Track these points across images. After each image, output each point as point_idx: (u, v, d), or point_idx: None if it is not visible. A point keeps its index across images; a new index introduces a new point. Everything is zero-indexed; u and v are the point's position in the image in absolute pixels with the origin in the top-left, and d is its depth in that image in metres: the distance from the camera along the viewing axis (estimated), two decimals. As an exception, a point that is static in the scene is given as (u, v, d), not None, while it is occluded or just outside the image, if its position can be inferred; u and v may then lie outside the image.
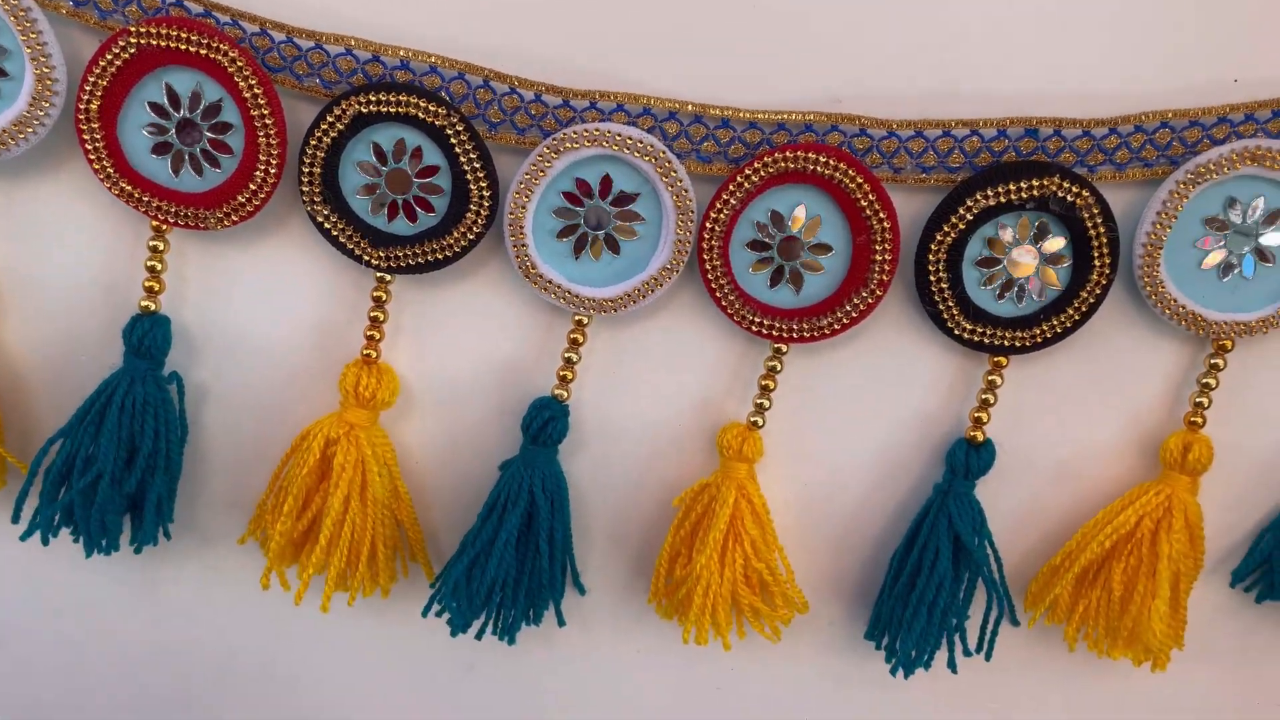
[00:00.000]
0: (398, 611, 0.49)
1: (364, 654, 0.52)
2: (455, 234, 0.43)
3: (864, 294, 0.44)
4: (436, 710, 0.53)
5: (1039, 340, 0.45)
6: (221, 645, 0.52)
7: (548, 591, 0.47)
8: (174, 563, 0.51)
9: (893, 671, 0.48)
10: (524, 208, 0.43)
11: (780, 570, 0.47)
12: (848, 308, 0.44)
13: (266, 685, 0.53)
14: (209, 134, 0.43)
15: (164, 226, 0.44)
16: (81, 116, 0.42)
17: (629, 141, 0.42)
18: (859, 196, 0.43)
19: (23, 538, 0.45)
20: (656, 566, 0.48)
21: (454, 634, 0.47)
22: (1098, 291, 0.44)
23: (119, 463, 0.45)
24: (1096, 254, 0.43)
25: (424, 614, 0.47)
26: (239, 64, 0.41)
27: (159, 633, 0.52)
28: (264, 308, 0.46)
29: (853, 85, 0.43)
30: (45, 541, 0.46)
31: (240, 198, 0.43)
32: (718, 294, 0.44)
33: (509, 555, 0.46)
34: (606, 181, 0.43)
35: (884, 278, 0.44)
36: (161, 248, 0.44)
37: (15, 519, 0.46)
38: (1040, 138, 0.42)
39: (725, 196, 0.43)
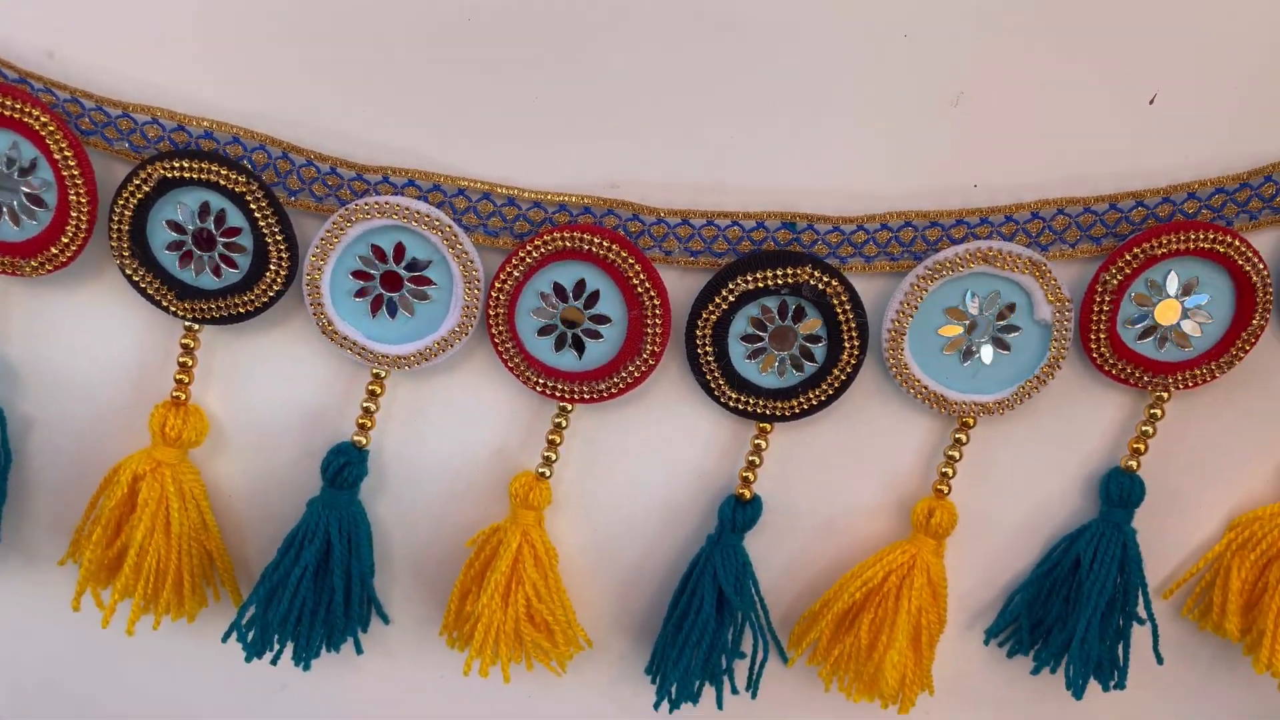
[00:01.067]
0: (214, 633, 0.52)
1: (179, 673, 0.55)
2: (257, 290, 0.47)
3: (639, 361, 0.48)
4: (252, 724, 0.57)
5: (799, 410, 0.49)
6: (44, 659, 0.55)
7: (343, 622, 0.51)
8: (-1, 580, 0.53)
9: (658, 704, 0.52)
10: (320, 269, 0.46)
11: (562, 612, 0.51)
12: (624, 373, 0.48)
13: (86, 700, 0.56)
14: (24, 189, 0.45)
15: None
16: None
17: (417, 214, 0.45)
18: (631, 275, 0.46)
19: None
20: (449, 602, 0.52)
21: (248, 659, 0.50)
22: (849, 369, 0.48)
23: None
24: (846, 336, 0.47)
25: (224, 639, 0.50)
26: (50, 127, 0.44)
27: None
28: (84, 348, 0.49)
29: (630, 172, 0.46)
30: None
31: (54, 249, 0.46)
32: (504, 356, 0.48)
33: (305, 588, 0.50)
34: (399, 248, 0.47)
35: (656, 348, 0.47)
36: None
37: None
38: (796, 230, 0.46)
39: (509, 269, 0.46)
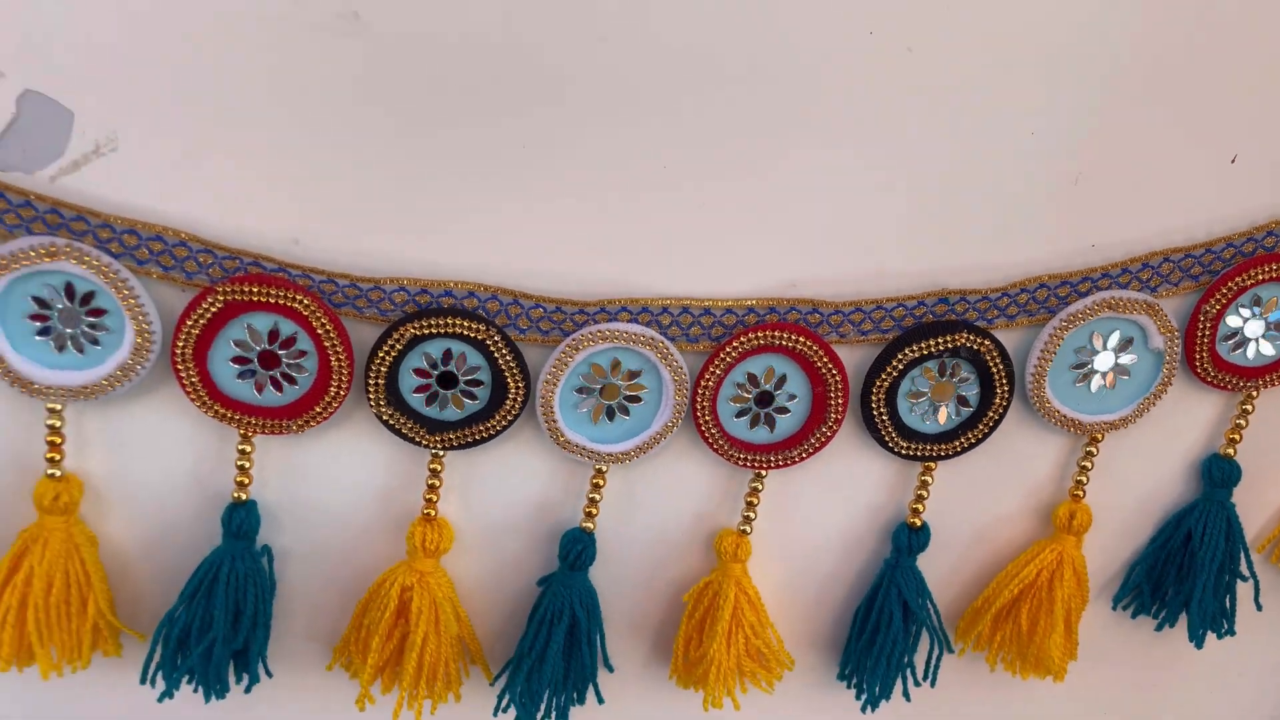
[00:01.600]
0: (468, 708, 0.60)
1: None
2: (497, 416, 0.53)
3: (824, 429, 0.56)
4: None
5: (959, 449, 0.57)
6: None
7: (589, 680, 0.59)
8: (267, 691, 0.60)
9: (864, 708, 0.61)
10: (552, 391, 0.53)
11: (773, 642, 0.59)
12: (812, 441, 0.56)
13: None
14: (286, 361, 0.51)
15: (249, 434, 0.52)
16: (178, 359, 0.50)
17: (631, 336, 0.52)
18: (815, 358, 0.54)
19: (161, 699, 0.54)
20: (674, 649, 0.60)
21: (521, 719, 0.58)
22: (1000, 411, 0.56)
23: (229, 625, 0.54)
24: (998, 384, 0.56)
25: (496, 712, 0.58)
26: (311, 307, 0.49)
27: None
28: (336, 483, 0.55)
29: (804, 271, 0.54)
30: (171, 695, 0.55)
31: (316, 408, 0.52)
32: (709, 439, 0.55)
33: (558, 659, 0.57)
34: (616, 363, 0.54)
35: (838, 415, 0.55)
36: (249, 450, 0.53)
37: (144, 681, 0.55)
38: (950, 303, 0.54)
39: (712, 368, 0.54)
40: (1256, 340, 0.57)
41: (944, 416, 0.57)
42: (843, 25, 0.48)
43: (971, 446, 0.57)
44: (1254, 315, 0.57)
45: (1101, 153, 0.53)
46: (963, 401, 0.57)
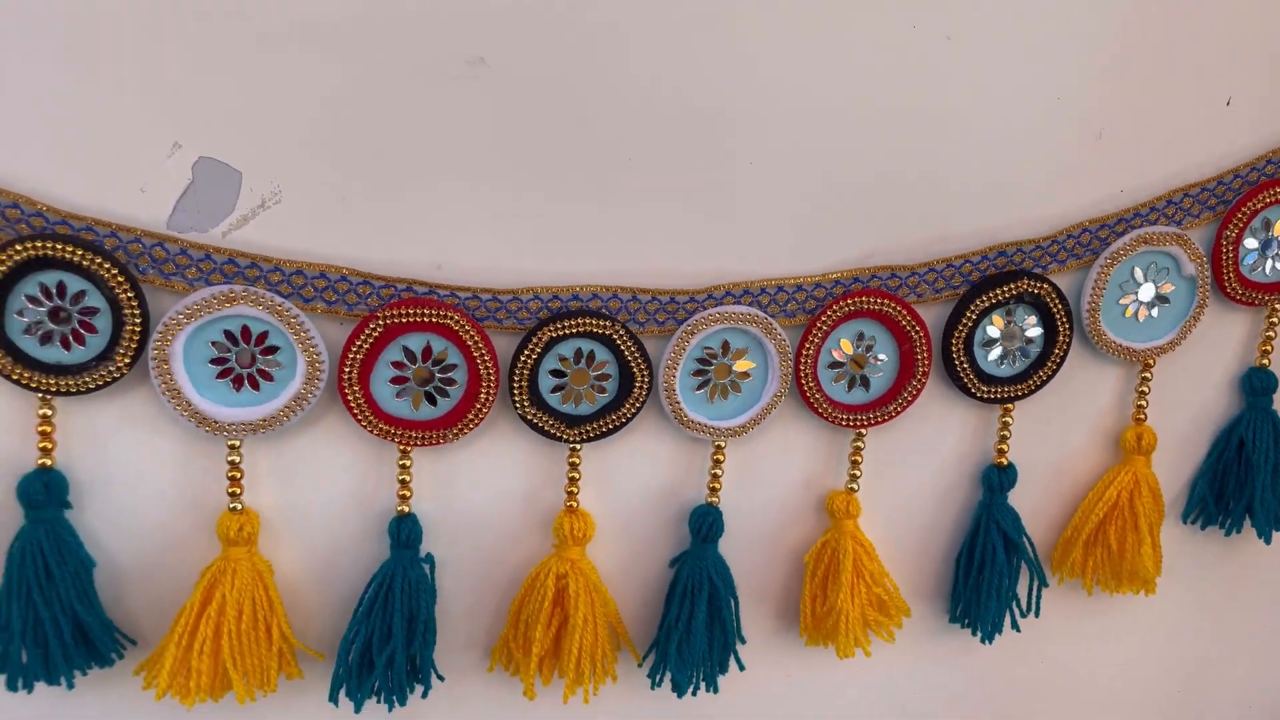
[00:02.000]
0: (624, 689, 0.64)
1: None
2: (626, 406, 0.59)
3: (913, 384, 0.62)
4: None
5: (1032, 388, 0.64)
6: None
7: (730, 648, 0.63)
8: (429, 703, 0.63)
9: (984, 640, 0.66)
10: (673, 375, 0.59)
11: (892, 590, 0.65)
12: (904, 395, 0.62)
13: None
14: (439, 376, 0.57)
15: (408, 448, 0.58)
16: (345, 384, 0.55)
17: (738, 316, 0.59)
18: (899, 318, 0.61)
19: (356, 709, 0.58)
20: (802, 609, 0.65)
21: (680, 695, 0.62)
22: (1064, 347, 0.63)
23: (405, 633, 0.58)
24: (1059, 323, 0.63)
25: (654, 687, 0.62)
26: (459, 322, 0.55)
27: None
28: (482, 489, 0.60)
29: (877, 243, 0.61)
30: (359, 709, 0.59)
31: (469, 415, 0.57)
32: (813, 403, 0.62)
33: (702, 630, 0.62)
34: (725, 344, 0.60)
35: (925, 369, 0.62)
36: (408, 464, 0.58)
37: (333, 698, 0.58)
38: (1008, 255, 0.62)
39: (810, 338, 0.60)
40: (1273, 259, 0.65)
41: (1014, 360, 0.63)
42: (888, 19, 0.56)
43: (1043, 384, 0.64)
44: (1269, 235, 0.64)
45: (1118, 110, 0.61)
46: (1029, 342, 0.63)
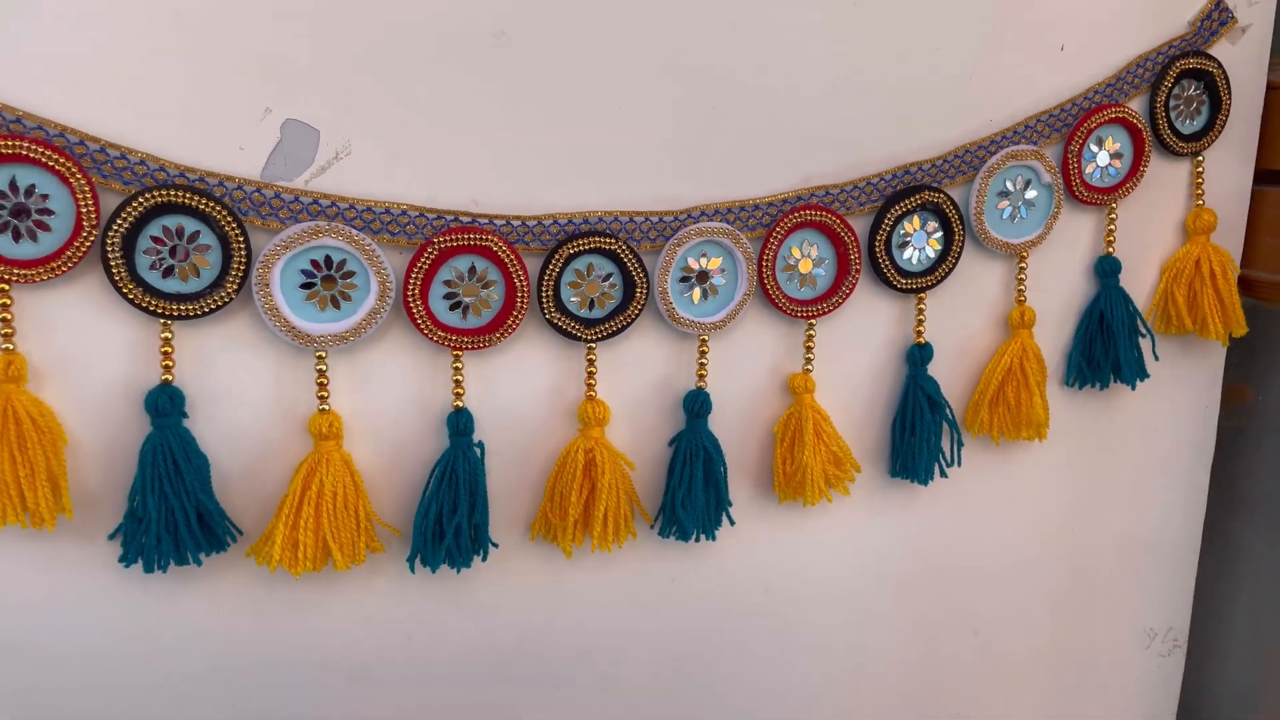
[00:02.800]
0: (640, 544, 0.78)
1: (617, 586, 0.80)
2: (630, 309, 0.74)
3: (849, 280, 0.79)
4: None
5: (939, 279, 0.81)
6: (538, 618, 0.78)
7: (723, 506, 0.79)
8: (482, 570, 0.76)
9: (921, 482, 0.83)
10: (665, 281, 0.74)
11: (845, 448, 0.81)
12: (842, 291, 0.79)
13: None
14: (481, 291, 0.70)
15: (460, 352, 0.71)
16: (410, 299, 0.69)
17: (713, 230, 0.74)
18: (836, 228, 0.77)
19: (434, 570, 0.71)
20: (775, 470, 0.80)
21: (685, 540, 0.77)
22: (960, 245, 0.81)
23: (469, 506, 0.71)
24: (954, 226, 0.80)
25: (663, 535, 0.77)
26: (499, 244, 0.69)
27: (480, 623, 0.77)
28: (518, 386, 0.74)
29: (814, 168, 0.77)
30: (434, 571, 0.71)
31: (508, 323, 0.71)
32: (775, 300, 0.78)
33: (699, 489, 0.77)
34: (703, 254, 0.75)
35: (857, 269, 0.79)
36: (460, 366, 0.71)
37: (410, 563, 0.71)
38: (912, 173, 0.79)
39: (768, 246, 0.76)
40: (1104, 168, 0.85)
41: (922, 257, 0.81)
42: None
43: (946, 276, 0.82)
44: (1100, 150, 0.84)
45: (985, 58, 0.79)
46: (933, 245, 0.81)
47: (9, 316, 0.62)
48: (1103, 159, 0.84)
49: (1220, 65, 0.86)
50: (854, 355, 0.83)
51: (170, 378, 0.66)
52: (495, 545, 0.74)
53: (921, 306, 0.82)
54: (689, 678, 0.85)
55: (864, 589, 0.88)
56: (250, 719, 0.73)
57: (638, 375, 0.77)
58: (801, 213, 0.76)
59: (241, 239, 0.65)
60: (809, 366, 0.80)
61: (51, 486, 0.64)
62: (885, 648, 0.90)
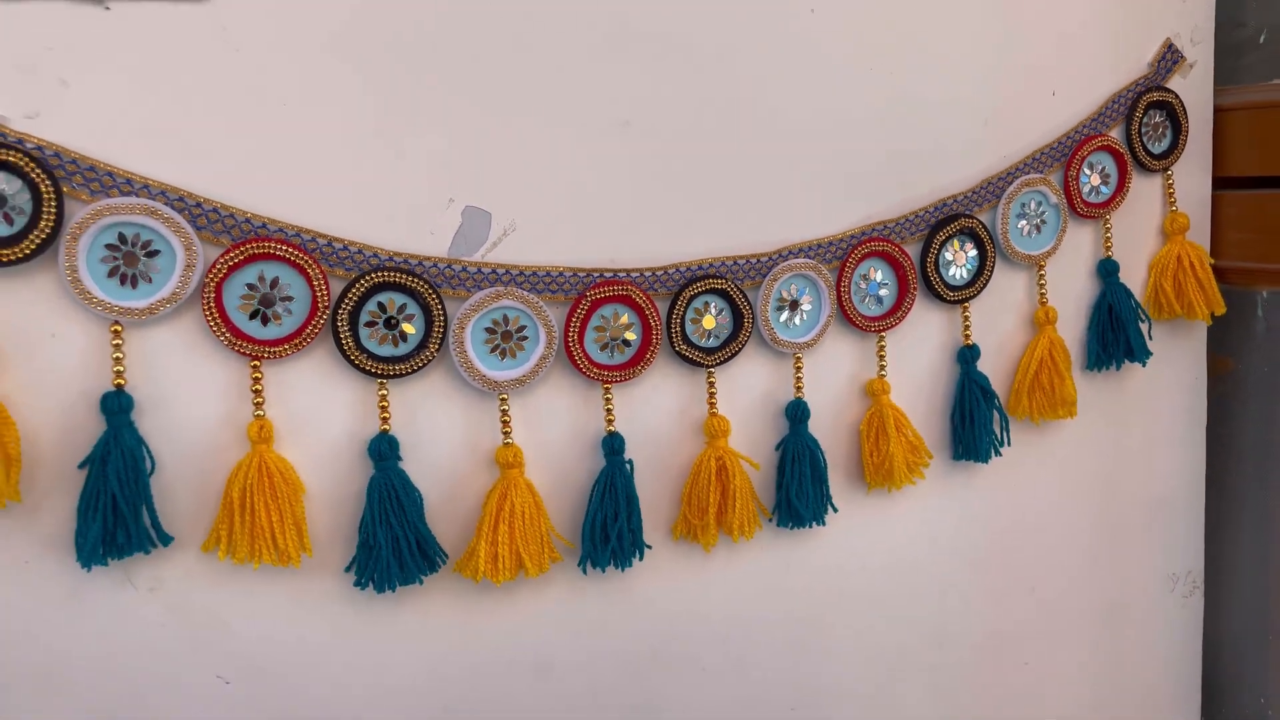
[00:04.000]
0: (764, 536, 0.93)
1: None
2: (739, 338, 0.89)
3: (909, 298, 0.95)
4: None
5: (978, 291, 0.98)
6: (683, 608, 0.92)
7: (827, 497, 0.94)
8: (637, 570, 0.90)
9: (983, 460, 0.99)
10: (766, 309, 0.90)
11: (920, 439, 0.97)
12: (904, 307, 0.96)
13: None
14: (625, 333, 0.85)
15: (610, 385, 0.86)
16: (570, 345, 0.83)
17: (801, 265, 0.90)
18: (895, 255, 0.94)
19: (602, 570, 0.84)
20: (864, 461, 0.96)
21: (801, 526, 0.91)
22: (993, 262, 0.98)
23: (626, 513, 0.85)
24: (987, 245, 0.98)
25: (779, 525, 0.92)
26: (636, 292, 0.85)
27: (637, 616, 0.91)
28: (652, 409, 0.89)
29: (872, 206, 0.94)
30: (603, 570, 0.85)
31: (647, 356, 0.86)
32: (854, 319, 0.94)
33: (807, 480, 0.92)
34: (793, 287, 0.91)
35: (914, 287, 0.95)
36: (610, 396, 0.86)
37: (581, 565, 0.85)
38: (949, 204, 0.96)
39: (845, 273, 0.93)
40: (1096, 187, 1.03)
41: (965, 273, 0.98)
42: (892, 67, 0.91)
43: (984, 288, 0.99)
44: (1093, 173, 1.02)
45: (997, 106, 0.97)
46: (969, 263, 0.98)
47: (260, 388, 0.75)
48: (1095, 180, 1.03)
49: (1177, 96, 1.05)
50: (917, 360, 0.99)
51: (388, 428, 0.79)
52: (649, 546, 0.88)
53: (967, 314, 0.99)
54: (806, 650, 0.99)
55: (941, 561, 1.04)
56: (455, 711, 0.86)
57: (747, 392, 0.93)
58: (867, 245, 0.93)
59: (440, 307, 0.79)
60: (883, 372, 0.96)
61: (296, 529, 0.76)
62: (962, 611, 1.06)
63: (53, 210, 0.68)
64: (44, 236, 0.68)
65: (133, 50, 0.70)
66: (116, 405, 0.71)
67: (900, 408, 0.97)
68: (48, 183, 0.68)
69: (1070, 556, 1.11)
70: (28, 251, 0.68)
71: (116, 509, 0.70)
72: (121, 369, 0.71)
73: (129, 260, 0.71)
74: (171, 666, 0.77)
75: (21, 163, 0.67)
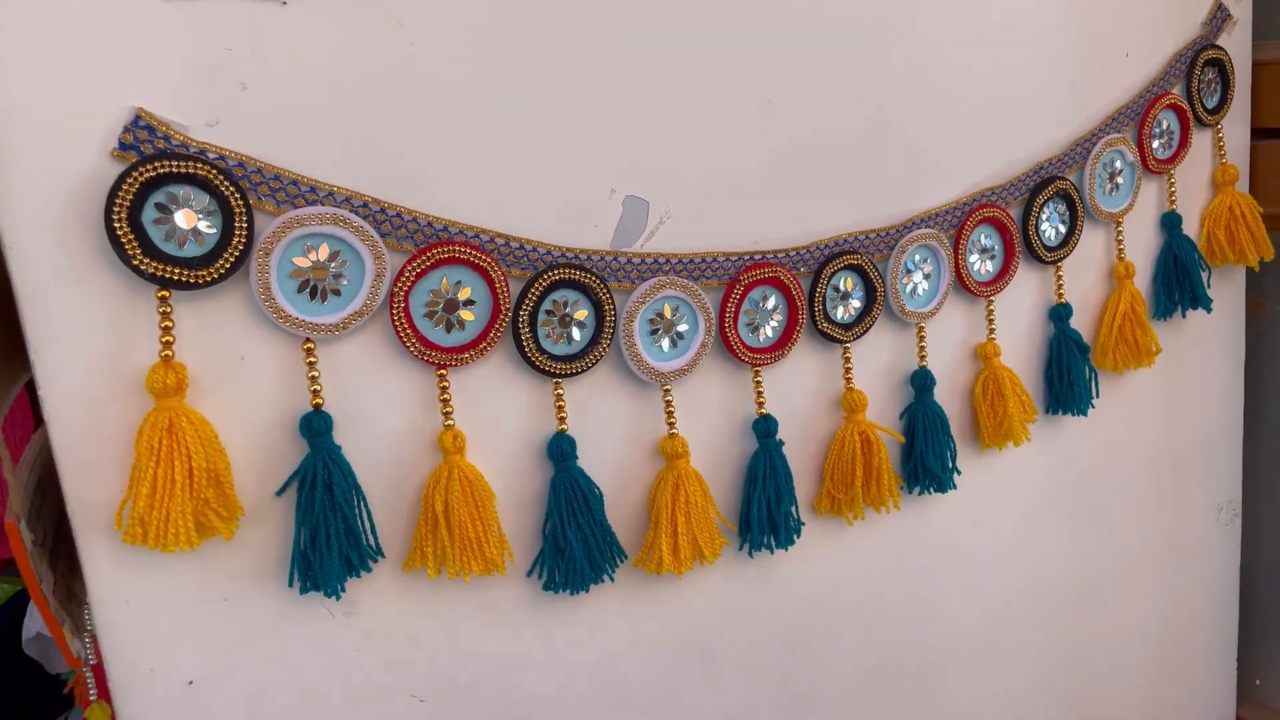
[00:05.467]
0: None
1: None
2: (872, 311, 0.91)
3: (1014, 263, 0.99)
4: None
5: (1071, 250, 1.02)
6: (821, 585, 0.94)
7: (954, 461, 0.97)
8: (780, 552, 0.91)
9: (1083, 413, 1.04)
10: (895, 278, 0.92)
11: (1027, 396, 1.01)
12: (1011, 270, 0.99)
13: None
14: (771, 316, 0.86)
15: (760, 368, 0.86)
16: (727, 329, 0.83)
17: (928, 235, 0.93)
18: (1005, 220, 0.97)
19: (771, 552, 0.86)
20: (981, 423, 0.99)
21: (939, 490, 0.95)
22: (1082, 223, 1.02)
23: (788, 494, 0.87)
24: (1078, 206, 1.02)
25: (909, 491, 0.94)
26: (784, 274, 0.85)
27: (784, 596, 0.93)
28: (796, 392, 0.90)
29: (978, 174, 0.97)
30: (772, 553, 0.86)
31: (794, 334, 0.87)
32: (966, 284, 0.96)
33: (941, 448, 0.95)
34: (920, 256, 0.93)
35: (1018, 252, 0.99)
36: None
37: (750, 552, 0.86)
38: (1045, 169, 1.00)
39: (960, 241, 0.95)
40: (1164, 143, 1.08)
41: (988, 258, 1.02)
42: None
43: (1075, 246, 1.02)
44: (1161, 130, 1.07)
45: (1078, 71, 1.01)
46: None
47: (448, 397, 0.73)
48: (1163, 137, 1.08)
49: (1226, 52, 1.11)
50: (1017, 321, 1.03)
51: (565, 427, 0.78)
52: (803, 522, 0.90)
53: (1060, 273, 1.03)
54: (926, 611, 1.03)
55: (1037, 510, 1.09)
56: (633, 705, 0.86)
57: (873, 364, 0.95)
58: (979, 211, 0.96)
59: (610, 302, 0.78)
60: (993, 335, 1.00)
61: (500, 538, 0.75)
62: (1055, 555, 1.11)
63: (244, 225, 0.64)
64: (237, 254, 0.65)
65: (309, 49, 0.66)
66: (320, 426, 0.68)
67: (1009, 368, 1.00)
68: (237, 196, 0.64)
69: (1139, 494, 1.18)
70: (223, 271, 0.64)
71: (351, 531, 0.68)
72: (319, 388, 0.68)
73: (318, 273, 0.68)
74: (369, 689, 0.75)
75: (210, 175, 0.63)
